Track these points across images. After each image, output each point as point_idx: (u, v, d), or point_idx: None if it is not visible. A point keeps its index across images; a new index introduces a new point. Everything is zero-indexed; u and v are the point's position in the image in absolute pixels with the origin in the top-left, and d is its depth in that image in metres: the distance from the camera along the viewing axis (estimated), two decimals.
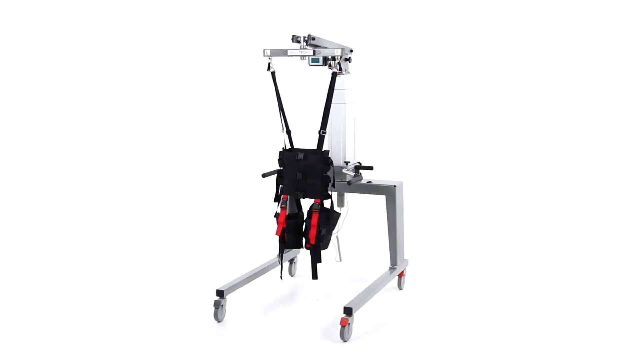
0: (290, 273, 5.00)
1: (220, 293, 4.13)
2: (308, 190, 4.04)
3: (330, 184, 4.05)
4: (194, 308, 4.28)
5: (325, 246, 4.12)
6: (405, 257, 4.73)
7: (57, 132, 7.37)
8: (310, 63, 4.45)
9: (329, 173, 4.04)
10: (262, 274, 4.49)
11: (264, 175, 4.28)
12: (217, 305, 4.11)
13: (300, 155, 4.04)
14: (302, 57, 4.06)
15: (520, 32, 7.12)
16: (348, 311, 3.85)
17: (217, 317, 4.12)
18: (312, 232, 4.00)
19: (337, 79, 4.44)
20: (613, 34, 6.91)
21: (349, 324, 3.85)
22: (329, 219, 4.05)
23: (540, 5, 7.07)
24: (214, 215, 6.47)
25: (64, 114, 7.41)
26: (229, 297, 4.24)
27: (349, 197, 4.66)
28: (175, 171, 7.27)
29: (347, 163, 4.51)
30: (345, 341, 3.84)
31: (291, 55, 4.04)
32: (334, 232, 4.60)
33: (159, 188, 7.04)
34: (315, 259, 4.05)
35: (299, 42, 4.05)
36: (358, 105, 4.63)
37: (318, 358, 3.67)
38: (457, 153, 7.17)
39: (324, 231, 4.03)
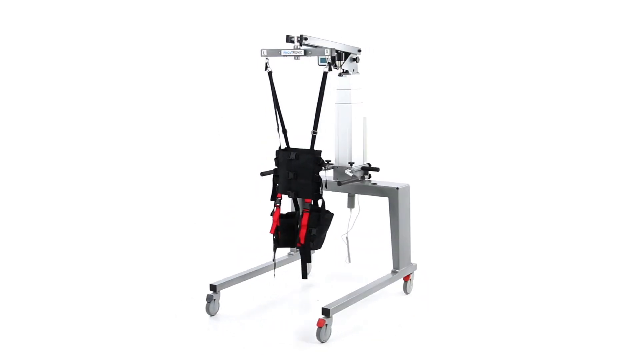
0: None
1: (213, 288, 4.22)
2: (300, 190, 4.05)
3: (322, 185, 4.04)
4: (190, 304, 4.37)
5: (317, 246, 4.11)
6: (413, 262, 4.63)
7: (58, 132, 7.46)
8: (319, 63, 4.47)
9: (321, 173, 4.03)
10: (263, 272, 4.54)
11: (262, 174, 4.33)
12: (210, 299, 4.20)
13: (292, 155, 4.06)
14: (296, 57, 4.06)
15: (533, 34, 7.15)
16: (326, 312, 3.83)
17: (209, 311, 4.21)
18: (302, 232, 4.01)
19: (343, 79, 4.47)
20: (613, 34, 6.96)
21: (326, 325, 3.82)
22: (320, 219, 4.04)
23: (549, 6, 7.06)
24: (214, 215, 6.51)
25: (64, 114, 7.50)
26: (226, 293, 4.32)
27: (360, 198, 4.64)
28: (175, 171, 7.32)
29: (351, 164, 4.48)
30: (322, 342, 3.82)
31: (285, 55, 4.07)
32: (344, 233, 4.63)
33: (160, 188, 7.09)
34: (305, 258, 4.06)
35: (292, 42, 4.06)
36: (366, 106, 4.59)
37: (294, 358, 3.68)
38: (470, 156, 7.14)
39: (314, 231, 4.02)
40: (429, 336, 3.95)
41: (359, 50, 4.52)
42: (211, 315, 4.21)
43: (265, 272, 4.55)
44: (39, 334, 3.97)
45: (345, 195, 4.70)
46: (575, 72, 7.10)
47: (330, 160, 4.60)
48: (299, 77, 4.83)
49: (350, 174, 4.42)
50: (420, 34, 7.32)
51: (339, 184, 4.27)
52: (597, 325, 4.05)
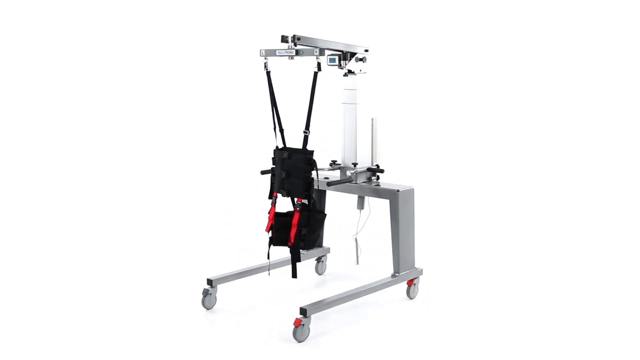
0: (317, 271, 5.03)
1: (210, 282, 4.32)
2: (291, 189, 4.07)
3: (312, 185, 4.04)
4: (189, 302, 4.43)
5: (308, 246, 4.11)
6: (419, 266, 4.53)
7: (59, 132, 7.44)
8: (328, 63, 4.49)
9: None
10: (263, 271, 4.56)
11: (262, 173, 4.39)
12: (205, 293, 4.31)
13: (285, 154, 4.09)
14: (290, 57, 4.08)
15: (542, 35, 7.16)
16: (303, 312, 3.84)
17: (205, 305, 4.32)
18: (292, 231, 4.03)
19: (348, 79, 4.45)
20: (614, 34, 7.03)
21: (302, 324, 3.82)
22: (310, 219, 4.04)
23: (557, 7, 7.13)
24: (214, 215, 6.50)
25: (64, 115, 7.48)
26: (224, 289, 4.40)
27: (371, 200, 4.60)
28: (176, 170, 7.30)
29: (355, 165, 4.45)
30: (299, 342, 3.83)
31: (279, 55, 4.10)
32: (354, 234, 4.61)
33: (160, 188, 7.08)
34: (294, 257, 4.07)
35: (287, 42, 4.08)
36: (374, 107, 4.54)
37: (290, 357, 3.71)
38: (484, 160, 7.18)
39: (304, 231, 4.03)
40: (428, 336, 3.92)
41: (366, 50, 4.47)
42: (207, 309, 4.31)
43: (264, 270, 4.57)
44: (39, 332, 4.02)
45: (353, 197, 4.68)
46: (590, 77, 7.10)
47: (336, 161, 4.58)
48: (304, 77, 4.84)
49: (349, 174, 4.39)
50: (429, 36, 7.34)
51: (328, 184, 4.25)
52: (601, 332, 3.95)
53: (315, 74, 3.97)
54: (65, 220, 6.29)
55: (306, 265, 5.03)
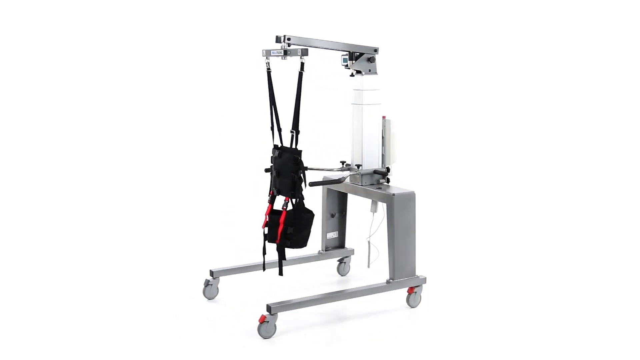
0: (339, 272, 5.01)
1: (211, 273, 4.50)
2: (281, 188, 4.13)
3: (298, 184, 4.06)
4: (190, 292, 4.58)
5: (296, 245, 4.11)
6: (422, 274, 4.36)
7: (59, 132, 7.36)
8: (342, 63, 4.49)
9: (300, 172, 4.05)
10: (263, 266, 4.56)
11: (266, 171, 4.47)
12: (207, 283, 4.49)
13: (276, 153, 4.15)
14: (283, 57, 4.13)
15: (553, 37, 7.21)
16: (269, 309, 3.88)
17: (206, 295, 4.51)
18: (278, 230, 4.08)
19: (354, 79, 4.42)
20: (622, 35, 7.11)
21: (266, 321, 3.87)
22: (295, 218, 4.07)
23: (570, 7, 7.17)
24: (214, 215, 6.44)
25: (64, 115, 7.39)
26: (225, 284, 4.54)
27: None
28: (176, 170, 7.21)
29: (358, 166, 4.40)
30: (264, 338, 3.88)
31: (273, 55, 4.16)
32: (367, 237, 4.57)
33: (162, 187, 7.05)
34: (280, 256, 4.12)
35: (280, 42, 4.13)
36: (381, 107, 4.45)
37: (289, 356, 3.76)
38: (498, 164, 7.15)
39: (290, 230, 4.07)
40: (425, 342, 3.90)
41: (375, 50, 4.39)
42: (208, 299, 4.48)
43: (267, 266, 4.59)
44: (40, 325, 4.08)
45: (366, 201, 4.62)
46: (611, 85, 7.13)
47: (345, 161, 4.55)
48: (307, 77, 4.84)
49: (346, 175, 4.35)
50: (437, 38, 7.32)
51: (310, 184, 4.23)
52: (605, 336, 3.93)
53: (300, 74, 3.98)
54: (70, 218, 6.32)
55: (329, 265, 5.04)
